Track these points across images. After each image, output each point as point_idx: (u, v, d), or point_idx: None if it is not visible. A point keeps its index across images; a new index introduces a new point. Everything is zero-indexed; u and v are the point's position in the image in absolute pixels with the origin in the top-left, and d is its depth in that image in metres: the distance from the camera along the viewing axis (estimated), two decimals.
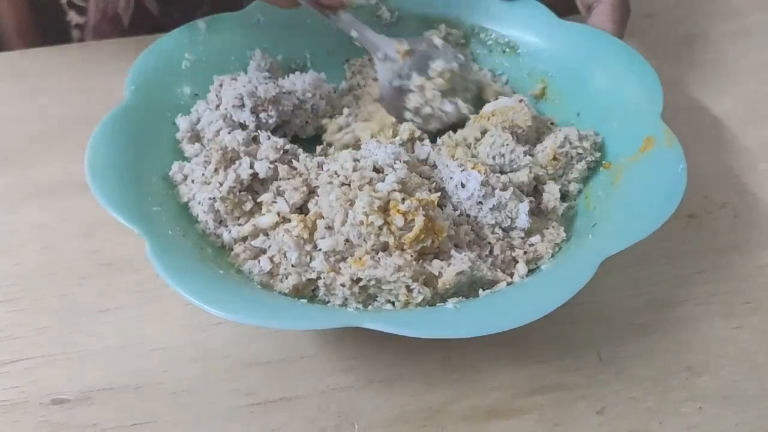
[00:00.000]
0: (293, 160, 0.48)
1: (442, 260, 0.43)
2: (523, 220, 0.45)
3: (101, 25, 0.68)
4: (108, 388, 0.42)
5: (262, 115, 0.51)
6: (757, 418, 0.41)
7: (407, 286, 0.41)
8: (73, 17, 0.68)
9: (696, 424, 0.40)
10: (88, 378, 0.42)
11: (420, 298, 0.41)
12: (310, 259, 0.44)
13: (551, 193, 0.48)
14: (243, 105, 0.51)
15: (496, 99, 0.52)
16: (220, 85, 0.52)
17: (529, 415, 0.41)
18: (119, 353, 0.43)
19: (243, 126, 0.51)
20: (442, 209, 0.45)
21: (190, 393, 0.42)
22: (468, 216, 0.46)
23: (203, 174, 0.47)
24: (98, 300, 0.46)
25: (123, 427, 0.40)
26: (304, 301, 0.43)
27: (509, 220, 0.45)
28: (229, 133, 0.49)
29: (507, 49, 0.55)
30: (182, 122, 0.50)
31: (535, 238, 0.45)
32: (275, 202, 0.46)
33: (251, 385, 0.42)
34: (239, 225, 0.46)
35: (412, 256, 0.42)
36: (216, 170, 0.47)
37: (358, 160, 0.46)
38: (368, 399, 0.42)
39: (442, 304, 0.41)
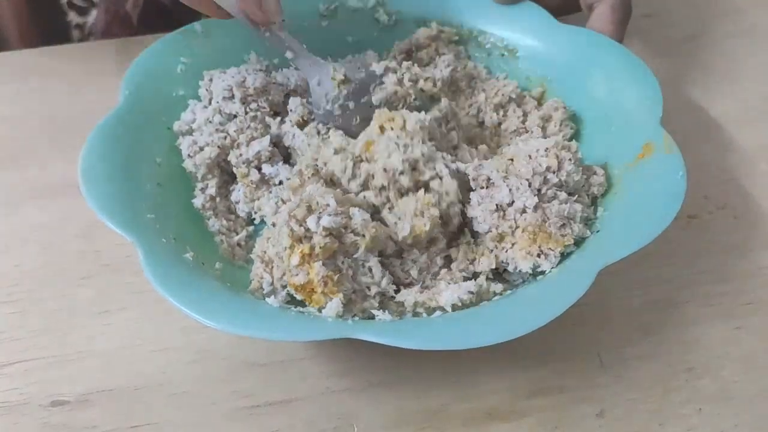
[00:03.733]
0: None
1: None
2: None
3: (112, 27, 0.68)
4: (108, 390, 0.42)
5: (252, 106, 0.50)
6: (757, 419, 0.41)
7: None
8: (73, 17, 0.68)
9: (696, 425, 0.40)
10: (87, 379, 0.42)
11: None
12: None
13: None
14: (233, 96, 0.50)
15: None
16: (210, 80, 0.51)
17: (528, 418, 0.41)
18: (119, 355, 0.43)
19: (235, 118, 0.50)
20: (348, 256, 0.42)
21: (190, 394, 0.42)
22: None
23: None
24: (98, 301, 0.46)
25: (123, 428, 0.40)
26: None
27: None
28: (221, 125, 0.50)
29: (506, 53, 0.55)
30: (178, 123, 0.50)
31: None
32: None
33: (251, 386, 0.42)
34: (236, 233, 0.47)
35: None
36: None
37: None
38: (367, 401, 0.42)
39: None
